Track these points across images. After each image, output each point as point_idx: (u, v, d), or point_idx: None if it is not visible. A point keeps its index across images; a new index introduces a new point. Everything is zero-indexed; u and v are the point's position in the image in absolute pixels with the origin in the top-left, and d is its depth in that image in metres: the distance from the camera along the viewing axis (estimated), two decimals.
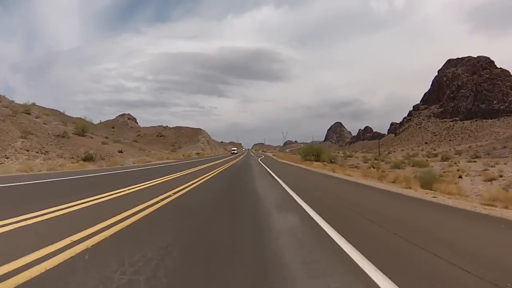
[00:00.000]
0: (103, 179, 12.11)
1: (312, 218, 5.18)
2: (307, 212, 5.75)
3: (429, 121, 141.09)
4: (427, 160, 55.41)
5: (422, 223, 5.29)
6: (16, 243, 3.38)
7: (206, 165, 24.81)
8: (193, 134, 78.06)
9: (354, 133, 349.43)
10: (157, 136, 73.21)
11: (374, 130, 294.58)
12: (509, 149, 53.74)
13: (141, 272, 2.69)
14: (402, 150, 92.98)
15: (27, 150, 19.03)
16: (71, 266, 2.81)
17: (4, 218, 4.30)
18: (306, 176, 18.57)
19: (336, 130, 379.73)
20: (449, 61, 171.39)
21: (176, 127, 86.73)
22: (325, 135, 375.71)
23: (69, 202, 5.74)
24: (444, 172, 27.87)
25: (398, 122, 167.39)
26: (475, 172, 28.83)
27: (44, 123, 28.05)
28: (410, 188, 10.84)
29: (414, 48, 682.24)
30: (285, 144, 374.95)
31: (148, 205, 5.85)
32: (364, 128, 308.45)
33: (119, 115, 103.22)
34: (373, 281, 2.62)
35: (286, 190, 9.88)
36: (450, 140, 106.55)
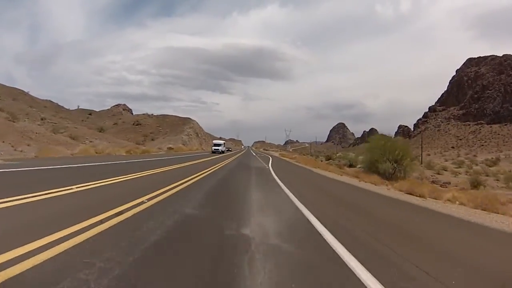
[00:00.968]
0: None
1: None
2: None
3: (448, 123, 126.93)
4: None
5: None
6: None
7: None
8: (178, 124, 63.84)
9: (357, 135, 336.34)
10: (134, 124, 59.29)
11: (380, 133, 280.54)
12: None
13: None
14: (429, 155, 78.80)
15: None
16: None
17: None
18: None
19: (339, 131, 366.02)
20: (470, 60, 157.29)
21: (160, 115, 72.88)
22: (327, 136, 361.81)
23: None
24: None
25: (414, 124, 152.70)
26: None
27: None
28: None
29: (418, 53, 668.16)
30: (286, 143, 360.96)
31: None
32: (370, 129, 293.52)
33: (114, 105, 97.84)
34: None
35: None
36: (481, 145, 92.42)
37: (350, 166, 33.97)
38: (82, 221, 3.70)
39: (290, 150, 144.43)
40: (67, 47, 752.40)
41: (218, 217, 4.85)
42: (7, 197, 4.74)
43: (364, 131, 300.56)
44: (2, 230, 3.28)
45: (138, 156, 24.96)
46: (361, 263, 2.97)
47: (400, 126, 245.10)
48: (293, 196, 7.75)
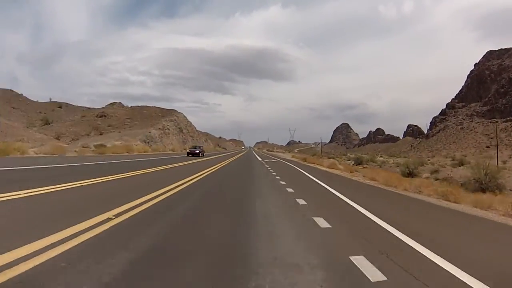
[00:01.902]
0: None
1: None
2: None
3: (471, 121, 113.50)
4: None
5: None
6: None
7: None
8: (156, 117, 51.15)
9: (361, 135, 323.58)
10: (98, 116, 46.76)
11: (386, 133, 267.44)
12: None
13: None
14: (465, 156, 65.56)
15: None
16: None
17: None
18: None
19: (343, 132, 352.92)
20: (490, 52, 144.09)
21: (138, 106, 60.43)
22: (331, 136, 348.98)
23: None
24: None
25: (430, 122, 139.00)
26: None
27: None
28: None
29: (421, 54, 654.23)
30: (288, 143, 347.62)
31: None
32: (376, 130, 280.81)
33: (109, 104, 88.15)
34: None
35: None
36: None
37: (410, 174, 20.73)
38: None
39: (296, 151, 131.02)
40: (70, 47, 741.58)
41: None
42: None
43: (369, 131, 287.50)
44: None
45: None
46: None
47: (409, 126, 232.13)
48: None
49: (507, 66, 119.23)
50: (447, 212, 6.59)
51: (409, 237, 3.73)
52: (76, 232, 3.08)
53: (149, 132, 38.96)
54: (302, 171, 18.22)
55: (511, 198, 8.48)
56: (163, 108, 63.32)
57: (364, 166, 33.07)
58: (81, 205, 4.67)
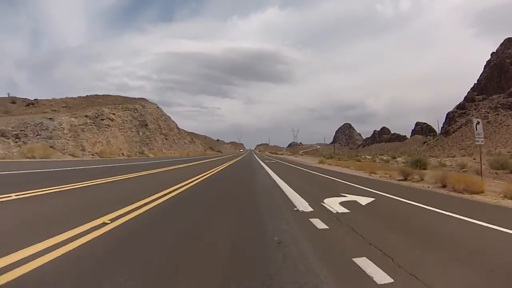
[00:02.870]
0: None
1: None
2: None
3: (497, 113, 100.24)
4: None
5: None
6: None
7: None
8: (105, 104, 37.40)
9: (363, 136, 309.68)
10: (27, 105, 33.91)
11: (392, 132, 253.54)
12: None
13: None
14: (491, 155, 52.41)
15: None
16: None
17: None
18: None
19: (345, 132, 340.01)
20: (510, 40, 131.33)
21: (97, 95, 46.88)
22: (333, 137, 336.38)
23: None
24: None
25: (448, 117, 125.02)
26: None
27: None
28: None
29: (419, 51, 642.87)
30: (290, 145, 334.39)
31: None
32: (381, 129, 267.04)
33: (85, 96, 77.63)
34: None
35: None
36: None
37: None
38: None
39: (301, 153, 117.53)
40: (68, 52, 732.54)
41: None
42: None
43: (374, 131, 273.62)
44: None
45: None
46: None
47: (417, 124, 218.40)
48: None
49: None
50: None
51: None
52: None
53: (50, 119, 25.10)
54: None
55: None
56: (128, 97, 50.26)
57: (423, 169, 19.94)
58: None
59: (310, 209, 5.70)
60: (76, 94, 46.40)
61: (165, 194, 6.64)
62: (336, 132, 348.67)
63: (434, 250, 3.44)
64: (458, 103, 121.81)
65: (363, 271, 2.69)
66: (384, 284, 2.45)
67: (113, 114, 34.10)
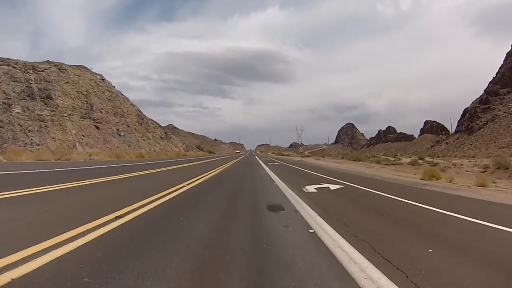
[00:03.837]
0: None
1: None
2: None
3: None
4: None
5: None
6: None
7: None
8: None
9: (366, 135, 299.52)
10: None
11: (399, 131, 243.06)
12: None
13: None
14: None
15: None
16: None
17: None
18: None
19: (348, 132, 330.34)
20: None
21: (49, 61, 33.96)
22: (335, 137, 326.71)
23: None
24: None
25: (469, 113, 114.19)
26: None
27: None
28: None
29: (420, 52, 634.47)
30: (291, 145, 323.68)
31: None
32: (386, 128, 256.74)
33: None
34: None
35: None
36: None
37: None
38: None
39: (307, 154, 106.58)
40: (68, 53, 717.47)
41: None
42: None
43: (379, 130, 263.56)
44: None
45: None
46: None
47: (426, 122, 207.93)
48: None
49: None
50: None
51: None
52: None
53: None
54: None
55: None
56: (91, 73, 37.54)
57: None
58: None
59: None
60: None
61: None
62: (339, 132, 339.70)
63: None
64: (480, 98, 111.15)
65: None
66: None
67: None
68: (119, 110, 37.60)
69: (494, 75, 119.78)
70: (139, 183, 9.74)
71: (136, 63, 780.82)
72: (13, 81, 23.23)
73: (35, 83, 24.78)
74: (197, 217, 4.78)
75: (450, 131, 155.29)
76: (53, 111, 25.60)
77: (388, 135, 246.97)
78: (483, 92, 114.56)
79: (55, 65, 30.00)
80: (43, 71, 26.18)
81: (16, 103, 23.50)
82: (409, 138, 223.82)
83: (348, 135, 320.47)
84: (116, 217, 4.33)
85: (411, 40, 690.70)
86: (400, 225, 4.91)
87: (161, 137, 48.87)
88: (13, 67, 23.73)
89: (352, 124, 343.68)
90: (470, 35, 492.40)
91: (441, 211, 6.11)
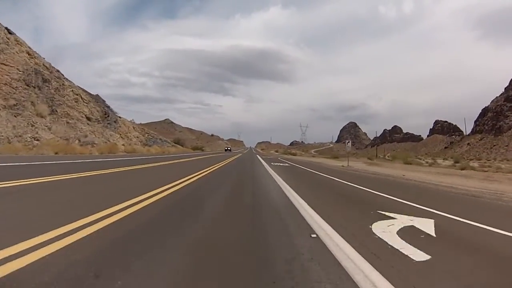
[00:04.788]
0: None
1: None
2: None
3: None
4: None
5: None
6: None
7: None
8: None
9: (368, 135, 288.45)
10: None
11: (405, 131, 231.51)
12: None
13: None
14: None
15: None
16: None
17: None
18: None
19: (350, 131, 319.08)
20: None
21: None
22: (337, 136, 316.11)
23: None
24: None
25: (493, 111, 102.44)
26: None
27: None
28: None
29: (421, 54, 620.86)
30: (292, 143, 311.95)
31: None
32: (392, 128, 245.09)
33: None
34: None
35: None
36: None
37: None
38: None
39: (313, 152, 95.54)
40: (70, 49, 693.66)
41: None
42: None
43: (384, 130, 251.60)
44: None
45: None
46: None
47: (437, 122, 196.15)
48: None
49: None
50: None
51: None
52: None
53: None
54: None
55: None
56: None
57: None
58: None
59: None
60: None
61: None
62: (341, 131, 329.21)
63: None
64: (506, 94, 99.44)
65: None
66: None
67: None
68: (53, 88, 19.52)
69: None
70: None
71: (138, 60, 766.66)
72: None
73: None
74: None
75: (464, 132, 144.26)
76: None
77: (394, 135, 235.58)
78: (504, 91, 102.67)
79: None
80: None
81: None
82: (416, 138, 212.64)
83: (350, 134, 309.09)
84: None
85: (413, 42, 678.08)
86: None
87: (95, 120, 31.29)
88: None
89: (355, 124, 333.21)
90: (473, 38, 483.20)
91: None
